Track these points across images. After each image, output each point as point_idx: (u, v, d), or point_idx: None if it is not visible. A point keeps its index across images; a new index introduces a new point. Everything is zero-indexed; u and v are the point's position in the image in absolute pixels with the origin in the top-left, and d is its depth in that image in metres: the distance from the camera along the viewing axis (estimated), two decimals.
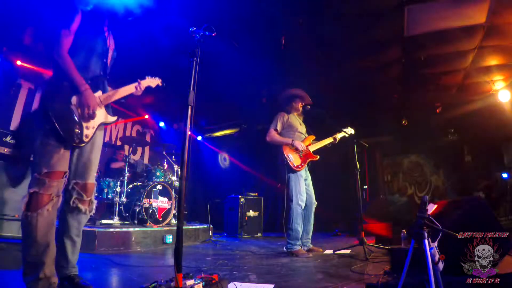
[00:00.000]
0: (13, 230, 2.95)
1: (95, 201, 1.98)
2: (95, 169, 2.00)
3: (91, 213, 1.94)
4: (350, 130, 4.02)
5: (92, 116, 1.89)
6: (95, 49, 1.98)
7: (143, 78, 2.25)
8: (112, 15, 2.10)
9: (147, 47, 4.32)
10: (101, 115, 2.00)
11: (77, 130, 1.81)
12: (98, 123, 1.97)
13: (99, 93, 1.98)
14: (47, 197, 1.67)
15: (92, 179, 1.96)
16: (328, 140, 3.90)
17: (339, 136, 3.94)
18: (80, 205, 1.85)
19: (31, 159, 2.00)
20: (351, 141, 3.95)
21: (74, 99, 1.83)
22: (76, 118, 1.82)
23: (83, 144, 1.87)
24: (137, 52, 4.32)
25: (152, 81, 2.30)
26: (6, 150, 3.06)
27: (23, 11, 3.71)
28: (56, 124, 1.72)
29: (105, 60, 2.07)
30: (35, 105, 5.19)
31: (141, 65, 4.31)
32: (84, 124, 1.86)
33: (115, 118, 2.10)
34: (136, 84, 2.17)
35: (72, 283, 1.80)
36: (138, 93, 2.19)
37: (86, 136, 1.87)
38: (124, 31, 2.31)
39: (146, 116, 6.99)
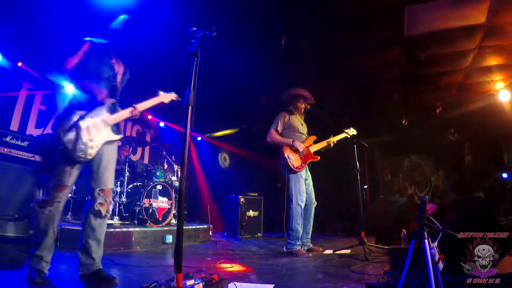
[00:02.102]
0: (13, 230, 2.95)
1: (112, 202, 2.27)
2: (110, 176, 2.24)
3: (109, 214, 2.23)
4: (352, 131, 3.97)
5: (107, 124, 2.19)
6: (101, 75, 2.23)
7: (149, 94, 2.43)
8: (120, 46, 2.36)
9: (147, 47, 4.32)
10: (105, 134, 2.20)
11: (81, 152, 2.07)
12: (102, 142, 2.18)
13: (105, 115, 2.21)
14: (52, 202, 2.07)
15: (109, 184, 2.23)
16: (327, 141, 3.87)
17: (338, 137, 3.93)
18: (101, 208, 2.15)
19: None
20: (351, 141, 3.94)
21: (82, 123, 2.08)
22: (81, 139, 2.06)
23: (87, 161, 2.13)
24: (136, 53, 4.32)
25: (165, 97, 2.48)
26: (6, 150, 3.06)
27: (23, 11, 3.72)
28: (65, 145, 2.02)
29: (113, 83, 2.30)
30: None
31: (141, 65, 4.31)
32: (89, 144, 2.10)
33: (119, 136, 2.30)
34: (131, 109, 2.32)
35: (98, 277, 2.08)
36: (135, 116, 2.35)
37: (90, 154, 2.11)
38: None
39: (150, 117, 6.99)
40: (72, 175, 2.12)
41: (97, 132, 2.15)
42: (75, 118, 2.07)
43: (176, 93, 2.55)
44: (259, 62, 4.84)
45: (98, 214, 2.15)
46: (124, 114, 2.30)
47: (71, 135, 2.04)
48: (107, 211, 2.20)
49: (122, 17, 2.35)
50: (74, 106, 2.11)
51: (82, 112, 2.10)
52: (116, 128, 2.28)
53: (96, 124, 2.15)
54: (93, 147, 2.12)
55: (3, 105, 4.49)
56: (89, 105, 2.15)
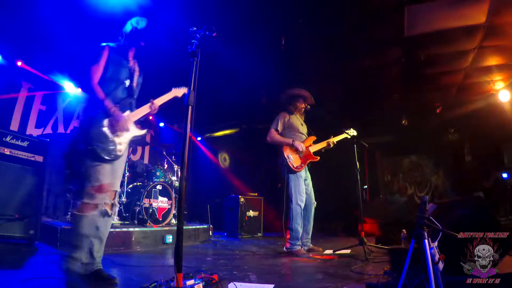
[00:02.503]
0: (13, 230, 2.94)
1: (117, 204, 2.30)
2: (119, 178, 2.33)
3: (114, 215, 2.27)
4: (352, 132, 3.95)
5: (126, 129, 2.23)
6: (121, 78, 2.29)
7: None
8: (136, 47, 2.41)
9: (146, 47, 4.32)
10: (132, 130, 2.29)
11: (111, 147, 2.13)
12: (129, 137, 2.28)
13: (127, 113, 2.29)
14: (94, 206, 2.07)
15: (118, 186, 2.31)
16: (327, 142, 3.86)
17: (338, 138, 3.92)
18: (108, 209, 2.17)
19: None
20: (351, 141, 3.94)
21: (105, 122, 2.14)
22: (109, 138, 2.14)
23: (118, 158, 2.18)
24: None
25: (178, 91, 2.57)
26: (6, 150, 3.06)
27: (23, 12, 3.72)
28: (95, 146, 2.06)
29: (130, 84, 2.37)
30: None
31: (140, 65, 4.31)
32: (117, 141, 2.17)
33: (144, 131, 2.38)
34: (149, 104, 2.40)
35: (98, 276, 2.09)
36: (154, 111, 2.42)
37: (120, 151, 2.19)
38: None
39: (150, 117, 6.97)
40: (107, 172, 2.14)
41: (119, 129, 2.21)
42: (100, 118, 2.13)
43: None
44: (259, 62, 4.83)
45: (104, 213, 2.16)
46: (144, 109, 2.37)
47: (100, 134, 2.09)
48: (113, 212, 2.23)
49: (136, 18, 2.39)
50: (97, 107, 2.15)
51: (105, 113, 2.16)
52: (138, 124, 2.37)
53: (116, 121, 2.20)
54: (122, 143, 2.20)
55: (3, 105, 4.49)
56: (91, 98, 2.22)
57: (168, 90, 2.56)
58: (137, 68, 2.44)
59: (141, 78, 2.48)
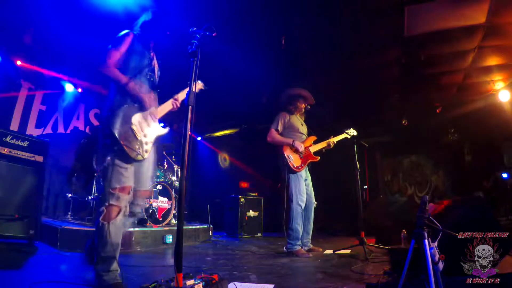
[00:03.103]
0: (13, 230, 2.94)
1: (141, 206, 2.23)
2: (151, 177, 2.22)
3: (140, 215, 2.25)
4: (352, 132, 3.96)
5: (155, 118, 2.12)
6: (143, 69, 2.13)
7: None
8: (156, 38, 2.26)
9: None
10: (156, 129, 2.17)
11: (138, 147, 2.00)
12: (154, 137, 2.15)
13: (152, 108, 2.15)
14: (118, 208, 1.93)
15: (148, 185, 2.21)
16: (327, 142, 3.86)
17: (339, 138, 3.92)
18: (137, 209, 2.13)
19: (96, 174, 2.23)
20: (351, 141, 3.94)
21: (134, 119, 2.01)
22: (137, 137, 2.00)
23: (143, 158, 2.05)
24: None
25: (196, 86, 2.44)
26: (6, 150, 3.06)
27: (23, 12, 3.72)
28: (123, 145, 1.92)
29: (152, 79, 2.22)
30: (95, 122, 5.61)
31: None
32: (144, 141, 2.04)
33: (167, 129, 2.26)
34: (172, 100, 2.31)
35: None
36: (176, 108, 2.33)
37: (146, 151, 2.07)
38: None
39: None
40: (131, 174, 2.01)
41: (148, 127, 2.10)
42: (126, 115, 1.98)
43: (176, 94, 2.54)
44: (259, 62, 4.83)
45: (133, 214, 2.11)
46: (167, 106, 2.28)
47: (126, 133, 1.95)
48: (140, 212, 2.19)
49: (150, 11, 2.27)
50: (121, 103, 2.00)
51: (131, 109, 2.02)
52: (161, 121, 2.27)
53: (146, 119, 2.09)
54: (148, 143, 2.08)
55: (3, 105, 4.49)
56: (137, 101, 2.05)
57: (167, 89, 2.52)
58: (156, 62, 2.31)
59: (159, 71, 2.35)
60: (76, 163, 4.11)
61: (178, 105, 2.32)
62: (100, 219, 1.90)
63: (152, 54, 2.25)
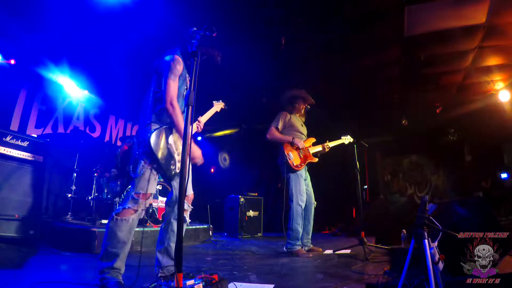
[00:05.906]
0: (13, 230, 2.95)
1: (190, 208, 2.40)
2: (190, 183, 2.35)
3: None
4: (348, 139, 4.04)
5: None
6: (182, 92, 2.23)
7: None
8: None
9: (146, 47, 4.32)
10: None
11: (173, 166, 2.14)
12: None
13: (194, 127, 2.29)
14: (135, 211, 2.03)
15: (191, 190, 2.38)
16: (322, 145, 3.86)
17: (334, 143, 3.95)
18: (185, 215, 2.26)
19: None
20: (351, 141, 3.95)
21: (170, 139, 2.14)
22: (173, 155, 2.14)
23: (176, 174, 2.16)
24: (136, 53, 4.33)
25: (218, 106, 2.73)
26: (6, 150, 3.06)
27: (24, 12, 3.72)
28: (161, 164, 2.07)
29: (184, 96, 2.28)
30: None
31: (141, 65, 4.31)
32: (177, 158, 2.16)
33: (194, 145, 2.36)
34: (196, 123, 2.49)
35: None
36: (199, 130, 2.52)
37: (178, 168, 2.15)
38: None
39: None
40: (155, 183, 2.17)
41: (181, 145, 2.16)
42: (165, 136, 2.12)
43: (200, 116, 2.66)
44: (259, 62, 4.83)
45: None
46: (193, 128, 2.34)
47: (164, 153, 2.08)
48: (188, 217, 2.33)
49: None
50: (161, 125, 2.12)
51: (169, 130, 2.15)
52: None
53: (179, 137, 2.20)
54: (179, 161, 2.16)
55: (3, 105, 4.49)
56: (175, 125, 2.14)
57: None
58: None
59: None
60: (114, 170, 4.52)
61: (202, 126, 2.53)
62: (114, 214, 2.00)
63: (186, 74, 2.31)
